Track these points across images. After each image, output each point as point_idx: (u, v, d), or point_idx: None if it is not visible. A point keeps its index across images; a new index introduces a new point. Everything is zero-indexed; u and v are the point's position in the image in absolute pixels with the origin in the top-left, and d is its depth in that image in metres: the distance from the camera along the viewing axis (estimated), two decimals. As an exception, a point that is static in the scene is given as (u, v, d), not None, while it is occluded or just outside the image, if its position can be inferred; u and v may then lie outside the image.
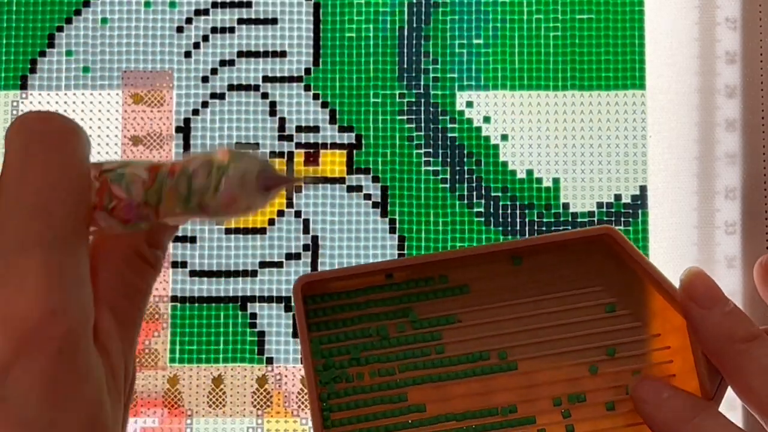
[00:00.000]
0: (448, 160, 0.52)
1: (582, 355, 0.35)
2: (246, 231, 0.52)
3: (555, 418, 0.35)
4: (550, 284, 0.35)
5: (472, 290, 0.35)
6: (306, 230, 0.52)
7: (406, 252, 0.51)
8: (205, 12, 0.53)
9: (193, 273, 0.51)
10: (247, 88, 0.53)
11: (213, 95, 0.53)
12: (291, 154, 0.52)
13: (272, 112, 0.52)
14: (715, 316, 0.33)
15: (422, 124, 0.52)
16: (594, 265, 0.35)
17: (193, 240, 0.52)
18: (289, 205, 0.52)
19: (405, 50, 0.52)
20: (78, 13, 0.53)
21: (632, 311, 0.35)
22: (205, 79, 0.53)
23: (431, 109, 0.52)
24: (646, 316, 0.35)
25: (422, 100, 0.52)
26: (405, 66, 0.52)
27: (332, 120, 0.52)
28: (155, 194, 0.27)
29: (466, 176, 0.52)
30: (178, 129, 0.52)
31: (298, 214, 0.52)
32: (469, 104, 0.52)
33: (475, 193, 0.52)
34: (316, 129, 0.52)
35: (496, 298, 0.35)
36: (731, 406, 0.48)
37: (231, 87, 0.53)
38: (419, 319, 0.35)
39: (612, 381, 0.35)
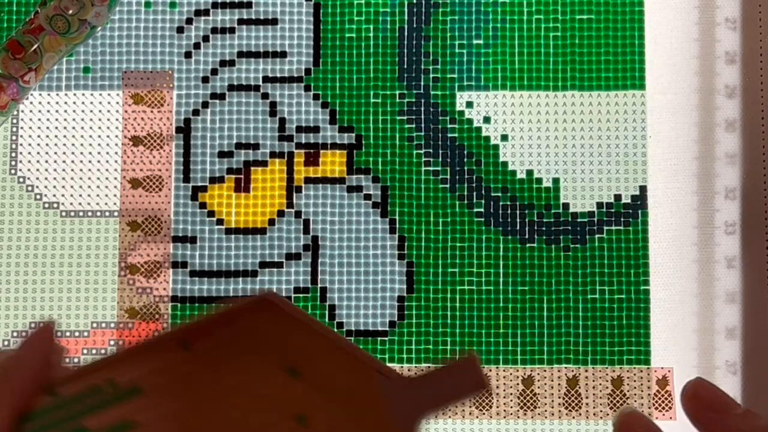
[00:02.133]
0: (448, 160, 0.52)
1: (277, 428, 0.31)
2: (246, 231, 0.52)
3: None
4: (224, 362, 0.32)
5: (144, 390, 0.31)
6: (306, 230, 0.52)
7: (406, 252, 0.51)
8: (206, 12, 0.53)
9: (193, 273, 0.51)
10: (248, 88, 0.53)
11: (213, 95, 0.53)
12: (291, 154, 0.52)
13: (272, 113, 0.52)
14: (729, 418, 0.33)
15: (422, 125, 0.52)
16: (267, 331, 0.32)
17: (193, 240, 0.52)
18: (289, 205, 0.52)
19: (405, 50, 0.53)
20: (78, 13, 0.53)
21: (315, 372, 0.32)
22: (205, 80, 0.53)
23: (431, 109, 0.52)
24: (331, 376, 0.32)
25: (422, 101, 0.52)
26: (405, 66, 0.52)
27: (332, 120, 0.52)
28: (31, 46, 0.35)
29: (466, 176, 0.52)
30: (178, 129, 0.52)
31: (298, 214, 0.52)
32: (469, 104, 0.52)
33: (475, 193, 0.52)
34: (316, 129, 0.52)
35: (173, 391, 0.32)
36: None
37: (231, 87, 0.53)
38: None
39: None
